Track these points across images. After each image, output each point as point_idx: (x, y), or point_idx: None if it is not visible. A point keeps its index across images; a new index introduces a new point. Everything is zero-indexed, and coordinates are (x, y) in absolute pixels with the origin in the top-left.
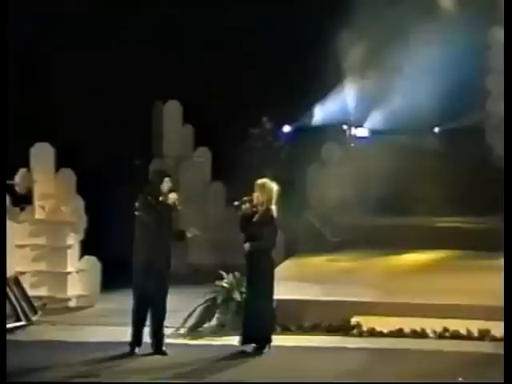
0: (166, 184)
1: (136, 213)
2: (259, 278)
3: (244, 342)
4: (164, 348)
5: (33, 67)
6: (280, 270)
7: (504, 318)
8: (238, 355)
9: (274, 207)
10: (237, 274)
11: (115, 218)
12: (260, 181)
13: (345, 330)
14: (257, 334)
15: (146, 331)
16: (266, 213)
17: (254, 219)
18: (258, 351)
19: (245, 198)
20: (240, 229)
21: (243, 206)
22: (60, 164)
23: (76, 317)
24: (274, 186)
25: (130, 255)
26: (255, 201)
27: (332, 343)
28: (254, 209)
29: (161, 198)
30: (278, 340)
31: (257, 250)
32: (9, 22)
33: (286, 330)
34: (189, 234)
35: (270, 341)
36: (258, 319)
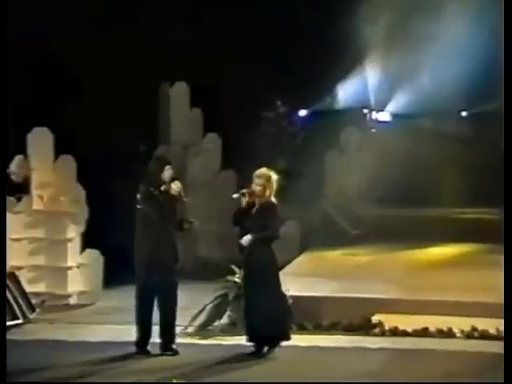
0: (168, 172)
1: (138, 206)
2: (262, 273)
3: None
4: (175, 346)
5: (32, 49)
6: (295, 265)
7: (504, 317)
8: (250, 355)
9: (273, 198)
10: None
11: (118, 209)
12: (260, 170)
13: (365, 328)
14: (266, 334)
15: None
16: (269, 204)
17: (253, 211)
18: (269, 351)
19: (244, 190)
20: (234, 222)
21: (243, 199)
22: (59, 151)
23: (76, 315)
24: (275, 176)
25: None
26: (258, 193)
27: (352, 343)
28: (251, 200)
29: (163, 188)
30: (293, 339)
31: (260, 242)
32: (9, 4)
33: (302, 329)
34: (186, 225)
35: (279, 340)
36: (264, 318)
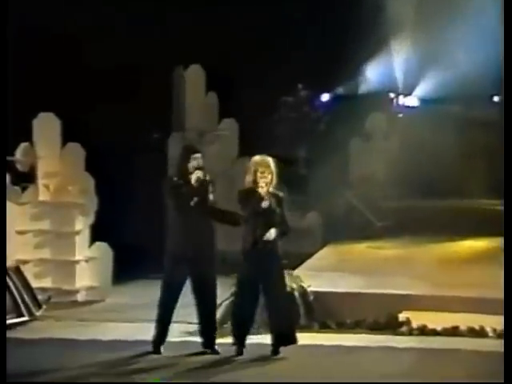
0: (195, 161)
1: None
2: (272, 269)
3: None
4: (216, 347)
5: (38, 32)
6: (317, 259)
7: (504, 316)
8: (268, 355)
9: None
10: None
11: (130, 199)
12: (263, 158)
13: (392, 327)
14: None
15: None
16: (281, 195)
17: (268, 204)
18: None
19: (265, 180)
20: (254, 218)
21: (261, 191)
22: (67, 138)
23: (85, 312)
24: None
25: (146, 242)
26: (269, 183)
27: (377, 342)
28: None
29: (193, 178)
30: (314, 338)
31: (280, 237)
32: None
33: (324, 328)
34: (242, 221)
35: (284, 343)
36: (271, 318)
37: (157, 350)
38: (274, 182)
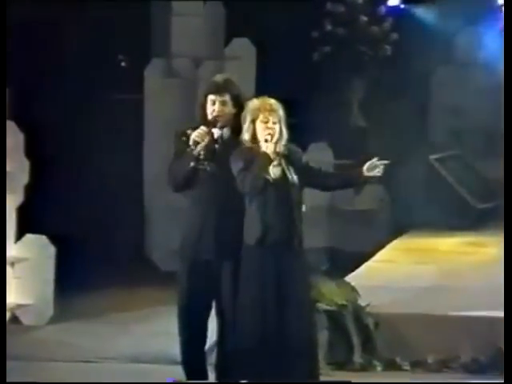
0: (215, 107)
1: None
2: (297, 272)
3: None
4: None
5: None
6: (382, 261)
7: (504, 316)
8: None
9: None
10: None
11: (83, 166)
12: (260, 100)
13: (500, 369)
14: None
15: None
16: (292, 154)
17: (275, 172)
18: None
19: (268, 135)
20: (260, 195)
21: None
22: None
23: (11, 345)
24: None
25: (107, 232)
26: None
27: None
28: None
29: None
30: None
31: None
32: None
33: (392, 369)
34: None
35: None
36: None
37: None
38: (284, 134)
